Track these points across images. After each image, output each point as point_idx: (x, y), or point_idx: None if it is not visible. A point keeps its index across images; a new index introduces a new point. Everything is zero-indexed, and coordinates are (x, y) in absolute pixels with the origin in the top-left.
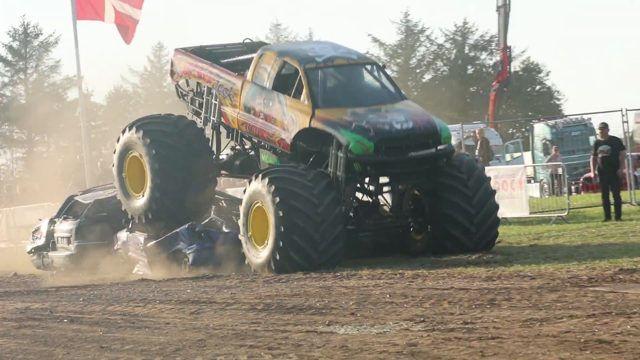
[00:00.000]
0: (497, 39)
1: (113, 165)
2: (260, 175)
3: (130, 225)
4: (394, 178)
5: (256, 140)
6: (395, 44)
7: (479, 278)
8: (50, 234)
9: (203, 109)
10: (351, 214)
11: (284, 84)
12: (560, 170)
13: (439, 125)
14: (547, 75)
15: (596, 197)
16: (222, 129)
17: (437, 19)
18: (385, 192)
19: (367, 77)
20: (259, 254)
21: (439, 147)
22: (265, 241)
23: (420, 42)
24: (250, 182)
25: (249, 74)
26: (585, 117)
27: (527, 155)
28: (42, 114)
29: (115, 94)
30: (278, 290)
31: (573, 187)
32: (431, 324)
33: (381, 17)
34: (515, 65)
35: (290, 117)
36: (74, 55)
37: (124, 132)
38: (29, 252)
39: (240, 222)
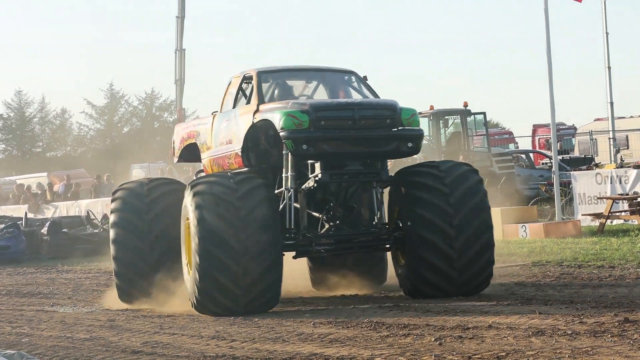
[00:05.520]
0: (175, 102)
1: None
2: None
3: None
4: (336, 161)
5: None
6: (103, 105)
7: None
8: None
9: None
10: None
11: (245, 98)
12: None
13: (398, 105)
14: None
15: None
16: None
17: (133, 87)
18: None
19: (332, 82)
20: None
21: (399, 128)
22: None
23: (121, 104)
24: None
25: (219, 108)
26: None
27: None
28: None
29: None
30: (17, 280)
31: None
32: None
33: (93, 85)
34: None
35: (242, 124)
36: None
37: None
38: None
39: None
